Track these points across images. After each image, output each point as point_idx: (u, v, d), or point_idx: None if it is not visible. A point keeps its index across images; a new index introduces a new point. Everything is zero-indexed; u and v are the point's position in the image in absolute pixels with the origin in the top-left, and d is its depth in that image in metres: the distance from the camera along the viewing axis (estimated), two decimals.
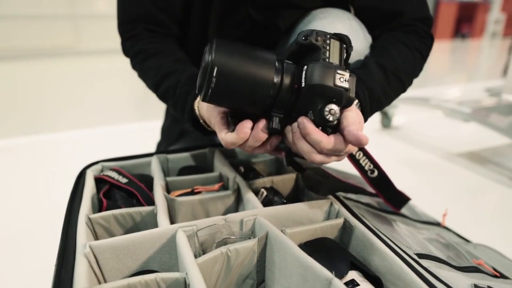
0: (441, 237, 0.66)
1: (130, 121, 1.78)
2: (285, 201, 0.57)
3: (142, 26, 0.70)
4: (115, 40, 0.76)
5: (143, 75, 0.71)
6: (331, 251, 0.47)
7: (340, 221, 0.51)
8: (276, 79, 0.44)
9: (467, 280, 0.48)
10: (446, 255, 0.56)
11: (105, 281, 0.45)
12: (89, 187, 0.58)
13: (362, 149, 0.61)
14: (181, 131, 0.95)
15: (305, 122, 0.44)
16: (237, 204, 0.60)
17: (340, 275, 0.41)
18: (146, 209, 0.54)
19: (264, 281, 0.49)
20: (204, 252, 0.48)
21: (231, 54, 0.43)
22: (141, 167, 0.70)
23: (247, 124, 0.47)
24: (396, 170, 1.22)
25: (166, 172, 0.72)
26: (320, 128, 0.45)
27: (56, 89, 2.42)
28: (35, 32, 3.43)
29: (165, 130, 1.01)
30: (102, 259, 0.44)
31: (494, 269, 0.58)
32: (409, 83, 0.64)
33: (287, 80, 0.45)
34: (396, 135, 1.61)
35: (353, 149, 0.47)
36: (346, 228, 0.51)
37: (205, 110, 0.55)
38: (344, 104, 0.45)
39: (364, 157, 0.61)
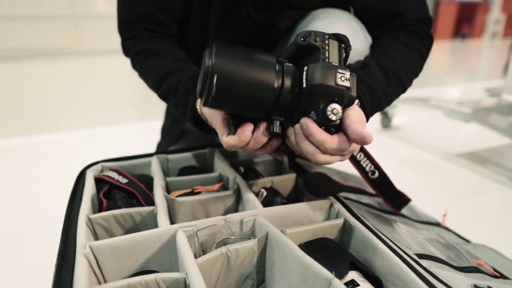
0: (441, 237, 0.66)
1: (130, 121, 1.78)
2: (285, 201, 0.57)
3: (142, 26, 0.70)
4: (115, 40, 0.76)
5: (144, 75, 0.71)
6: (331, 252, 0.47)
7: (340, 221, 0.51)
8: (277, 84, 0.44)
9: (467, 281, 0.48)
10: (446, 256, 0.56)
11: (105, 282, 0.45)
12: (89, 188, 0.58)
13: (363, 150, 0.61)
14: (181, 131, 0.95)
15: (308, 123, 0.44)
16: (237, 205, 0.60)
17: (340, 276, 0.41)
18: (146, 209, 0.54)
19: (264, 281, 0.49)
20: (204, 253, 0.48)
21: (231, 59, 0.43)
22: (141, 167, 0.70)
23: (248, 128, 0.48)
24: (396, 170, 1.22)
25: (166, 173, 0.72)
26: (323, 128, 0.45)
27: (56, 89, 2.42)
28: (35, 33, 3.44)
29: (165, 131, 1.01)
30: (102, 260, 0.44)
31: (494, 270, 0.58)
32: (409, 83, 0.64)
33: (287, 83, 0.45)
34: (396, 135, 1.61)
35: (357, 147, 0.47)
36: (346, 229, 0.51)
37: (207, 110, 0.55)
38: (346, 103, 0.45)
39: (365, 158, 0.61)
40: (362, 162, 0.61)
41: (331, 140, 0.44)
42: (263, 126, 0.48)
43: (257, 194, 0.58)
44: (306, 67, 0.44)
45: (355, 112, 0.46)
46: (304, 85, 0.44)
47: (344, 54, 0.46)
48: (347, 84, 0.43)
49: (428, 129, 1.69)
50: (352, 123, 0.45)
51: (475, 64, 3.80)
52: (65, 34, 3.60)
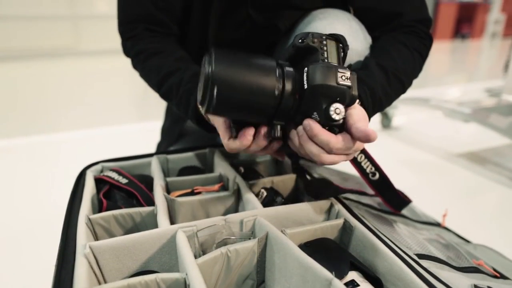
0: (441, 237, 0.66)
1: (130, 121, 1.78)
2: (285, 201, 0.57)
3: (143, 26, 0.70)
4: (115, 40, 0.76)
5: (145, 75, 0.71)
6: (331, 252, 0.47)
7: (340, 221, 0.51)
8: (278, 90, 0.44)
9: (467, 281, 0.48)
10: (446, 256, 0.56)
11: (105, 282, 0.45)
12: (89, 188, 0.58)
13: (364, 152, 0.61)
14: (181, 131, 0.95)
15: (311, 124, 0.44)
16: (237, 205, 0.60)
17: (340, 276, 0.41)
18: (146, 209, 0.54)
19: (264, 281, 0.49)
20: (204, 253, 0.48)
21: (230, 67, 0.43)
22: (141, 167, 0.70)
23: (249, 132, 0.48)
24: (396, 170, 1.21)
25: (166, 173, 0.72)
26: (326, 128, 0.45)
27: (56, 89, 2.42)
28: (35, 33, 3.44)
29: (165, 131, 1.01)
30: (102, 260, 0.44)
31: (494, 270, 0.58)
32: (409, 84, 0.64)
33: (288, 86, 0.45)
34: (396, 135, 1.61)
35: (361, 146, 0.47)
36: (346, 229, 0.51)
37: None
38: (348, 102, 0.45)
39: (366, 160, 0.61)
40: (363, 164, 0.61)
41: (336, 140, 0.44)
42: (264, 130, 0.49)
43: (257, 194, 0.58)
44: (306, 69, 0.44)
45: (357, 111, 0.46)
46: (305, 86, 0.44)
47: (342, 53, 0.47)
48: (348, 83, 0.43)
49: (428, 129, 1.69)
50: (355, 121, 0.45)
51: (475, 64, 3.80)
52: (65, 34, 3.60)
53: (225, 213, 0.59)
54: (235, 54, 0.45)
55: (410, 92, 0.72)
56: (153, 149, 1.00)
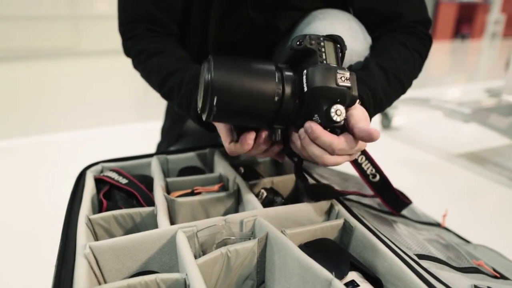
0: (441, 237, 0.66)
1: (130, 121, 1.78)
2: (284, 201, 0.57)
3: (143, 26, 0.70)
4: (115, 40, 0.76)
5: (146, 75, 0.71)
6: (331, 252, 0.47)
7: (340, 222, 0.51)
8: (278, 96, 0.45)
9: (467, 281, 0.48)
10: (446, 256, 0.56)
11: (105, 282, 0.45)
12: (89, 188, 0.58)
13: (364, 153, 0.61)
14: (181, 131, 0.95)
15: (313, 126, 0.44)
16: (237, 205, 0.60)
17: (340, 276, 0.41)
18: (146, 209, 0.54)
19: (264, 282, 0.49)
20: (204, 253, 0.48)
21: (229, 74, 0.43)
22: (141, 167, 0.70)
23: (250, 136, 0.49)
24: (396, 170, 1.22)
25: (166, 173, 0.72)
26: (328, 130, 0.45)
27: (56, 89, 2.42)
28: (35, 33, 3.43)
29: (165, 131, 1.01)
30: (102, 260, 0.44)
31: (494, 270, 0.58)
32: (409, 84, 0.64)
33: (288, 91, 0.45)
34: (396, 135, 1.61)
35: (363, 145, 0.47)
36: (346, 229, 0.51)
37: None
38: (349, 103, 0.45)
39: (366, 161, 0.61)
40: (363, 165, 0.61)
41: (338, 141, 0.44)
42: (265, 134, 0.50)
43: (257, 195, 0.58)
44: (305, 71, 0.44)
45: (358, 111, 0.46)
46: (305, 89, 0.44)
47: (340, 54, 0.47)
48: (348, 84, 0.44)
49: (428, 130, 1.69)
50: (357, 121, 0.45)
51: (475, 65, 3.80)
52: (65, 35, 3.60)
53: (225, 214, 0.59)
54: (234, 60, 0.45)
55: (410, 92, 0.72)
56: (153, 149, 1.00)
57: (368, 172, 0.62)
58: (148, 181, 0.63)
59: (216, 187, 0.62)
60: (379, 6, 0.66)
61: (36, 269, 0.75)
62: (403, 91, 0.64)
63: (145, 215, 0.54)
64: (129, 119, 1.85)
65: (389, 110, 1.64)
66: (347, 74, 0.44)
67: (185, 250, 0.42)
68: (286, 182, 0.64)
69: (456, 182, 1.19)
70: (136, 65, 0.73)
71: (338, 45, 0.47)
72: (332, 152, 0.45)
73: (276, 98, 0.45)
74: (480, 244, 0.76)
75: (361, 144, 0.46)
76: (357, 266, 0.44)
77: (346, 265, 0.43)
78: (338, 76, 0.43)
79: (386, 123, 1.67)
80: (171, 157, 0.72)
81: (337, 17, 0.65)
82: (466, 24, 5.67)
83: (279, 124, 0.48)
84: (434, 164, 1.33)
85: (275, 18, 0.71)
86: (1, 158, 1.32)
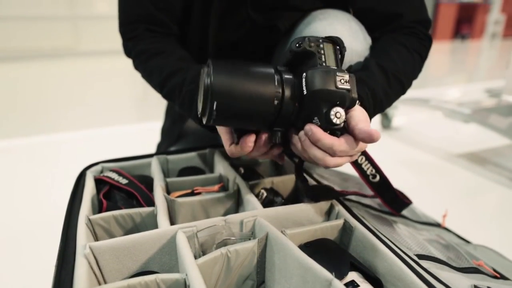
0: (441, 238, 0.66)
1: (130, 122, 1.78)
2: (284, 202, 0.57)
3: (143, 27, 0.70)
4: (115, 41, 0.76)
5: (147, 75, 0.71)
6: (331, 252, 0.47)
7: (340, 222, 0.51)
8: (277, 100, 0.45)
9: (467, 281, 0.48)
10: (446, 256, 0.56)
11: (105, 282, 0.45)
12: (89, 188, 0.58)
13: (364, 153, 0.61)
14: (181, 132, 0.95)
15: (313, 129, 0.44)
16: (237, 205, 0.60)
17: (340, 276, 0.41)
18: (146, 210, 0.54)
19: (264, 282, 0.49)
20: (204, 253, 0.48)
21: (229, 77, 0.44)
22: (141, 168, 0.70)
23: (250, 139, 0.50)
24: (396, 171, 1.22)
25: (166, 173, 0.72)
26: (328, 132, 0.45)
27: (56, 90, 2.42)
28: (35, 33, 3.44)
29: (165, 131, 1.01)
30: (102, 260, 0.44)
31: (494, 270, 0.58)
32: (409, 85, 0.64)
33: (288, 94, 0.45)
34: (396, 136, 1.61)
35: (364, 146, 0.47)
36: (346, 229, 0.51)
37: None
38: (348, 105, 0.45)
39: (367, 162, 0.61)
40: (363, 166, 0.61)
41: (339, 143, 0.45)
42: (265, 136, 0.50)
43: (257, 195, 0.58)
44: (304, 74, 0.44)
45: (358, 112, 0.46)
46: (305, 92, 0.44)
47: (339, 55, 0.47)
48: (347, 86, 0.44)
49: (428, 130, 1.69)
50: (357, 123, 0.45)
51: (475, 65, 3.81)
52: (65, 35, 3.60)
53: (225, 214, 0.59)
54: (233, 64, 0.45)
55: (410, 93, 0.72)
56: (153, 150, 1.00)
57: (368, 172, 0.62)
58: (148, 182, 0.63)
59: (216, 187, 0.62)
60: (379, 6, 0.66)
61: (36, 269, 0.75)
62: (403, 91, 0.64)
63: (145, 215, 0.54)
64: (129, 119, 1.85)
65: (389, 111, 1.65)
66: (346, 77, 0.44)
67: (185, 250, 0.42)
68: (286, 182, 0.64)
69: (456, 182, 1.19)
70: (137, 66, 0.72)
71: (337, 47, 0.47)
72: (333, 154, 0.45)
73: (276, 102, 0.45)
74: (480, 244, 0.76)
75: (361, 145, 0.46)
76: (357, 266, 0.44)
77: (346, 265, 0.43)
78: (338, 78, 0.43)
79: (386, 124, 1.67)
80: (171, 157, 0.72)
81: (337, 18, 0.65)
82: (466, 24, 5.67)
83: (279, 126, 0.48)
84: (434, 165, 1.33)
85: (275, 18, 0.71)
86: (1, 158, 1.32)
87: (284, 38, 0.75)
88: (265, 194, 0.58)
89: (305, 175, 0.59)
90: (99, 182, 0.62)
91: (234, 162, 0.70)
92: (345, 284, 0.41)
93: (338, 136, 0.45)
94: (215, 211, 0.59)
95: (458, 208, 1.00)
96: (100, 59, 3.51)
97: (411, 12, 0.65)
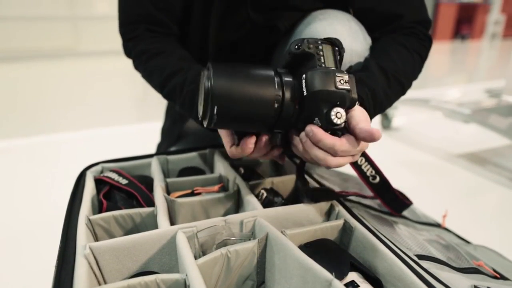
0: (441, 238, 0.66)
1: (130, 122, 1.78)
2: (284, 202, 0.57)
3: (143, 27, 0.70)
4: (115, 41, 0.76)
5: (147, 75, 0.71)
6: (331, 253, 0.47)
7: (340, 222, 0.52)
8: (277, 102, 0.45)
9: (467, 281, 0.48)
10: (446, 256, 0.56)
11: (105, 282, 0.45)
12: (89, 188, 0.58)
13: (364, 155, 0.61)
14: (181, 132, 0.95)
15: (314, 130, 0.45)
16: (237, 205, 0.60)
17: (340, 277, 0.41)
18: (146, 210, 0.54)
19: (264, 282, 0.49)
20: (204, 254, 0.48)
21: (229, 80, 0.44)
22: (141, 168, 0.70)
23: (251, 140, 0.50)
24: (396, 171, 1.22)
25: (166, 173, 0.72)
26: (329, 133, 0.45)
27: (56, 90, 2.42)
28: (35, 33, 3.44)
29: (165, 131, 1.01)
30: (102, 260, 0.44)
31: (494, 270, 0.58)
32: (409, 85, 0.64)
33: (288, 95, 0.45)
34: (396, 136, 1.61)
35: (366, 146, 0.47)
36: (346, 230, 0.51)
37: None
38: (348, 105, 0.45)
39: (366, 163, 0.61)
40: (363, 167, 0.61)
41: (340, 143, 0.45)
42: (265, 138, 0.51)
43: (257, 195, 0.58)
44: (304, 75, 0.45)
45: (358, 112, 0.47)
46: (305, 93, 0.44)
47: (338, 56, 0.47)
48: (347, 86, 0.44)
49: (428, 130, 1.69)
50: (357, 122, 0.45)
51: (475, 65, 3.81)
52: (65, 35, 3.60)
53: (225, 214, 0.59)
54: (233, 67, 0.46)
55: (410, 93, 0.72)
56: (153, 150, 1.00)
57: (368, 173, 0.62)
58: (148, 182, 0.63)
59: (216, 187, 0.62)
60: (379, 6, 0.66)
61: (36, 270, 0.75)
62: (403, 92, 0.64)
63: (145, 215, 0.54)
64: (129, 119, 1.85)
65: (389, 111, 1.65)
66: (346, 77, 0.44)
67: (185, 251, 0.42)
68: (286, 182, 0.64)
69: (456, 182, 1.19)
70: (137, 66, 0.72)
71: (336, 48, 0.47)
72: (334, 154, 0.45)
73: (276, 105, 0.45)
74: (480, 244, 0.76)
75: (363, 145, 0.46)
76: (357, 266, 0.44)
77: (346, 265, 0.43)
78: (337, 79, 0.44)
79: (386, 124, 1.68)
80: (171, 157, 0.72)
81: (337, 18, 0.65)
82: (466, 24, 5.67)
83: (279, 128, 0.48)
84: (434, 165, 1.33)
85: (275, 18, 0.71)
86: (1, 158, 1.32)
87: (284, 38, 0.75)
88: (265, 194, 0.58)
89: (305, 176, 0.59)
90: (99, 182, 0.62)
91: (234, 163, 0.70)
92: (345, 285, 0.41)
93: (339, 136, 0.45)
94: (215, 212, 0.59)
95: (458, 208, 1.00)
96: (100, 59, 3.51)
97: (411, 12, 0.65)
